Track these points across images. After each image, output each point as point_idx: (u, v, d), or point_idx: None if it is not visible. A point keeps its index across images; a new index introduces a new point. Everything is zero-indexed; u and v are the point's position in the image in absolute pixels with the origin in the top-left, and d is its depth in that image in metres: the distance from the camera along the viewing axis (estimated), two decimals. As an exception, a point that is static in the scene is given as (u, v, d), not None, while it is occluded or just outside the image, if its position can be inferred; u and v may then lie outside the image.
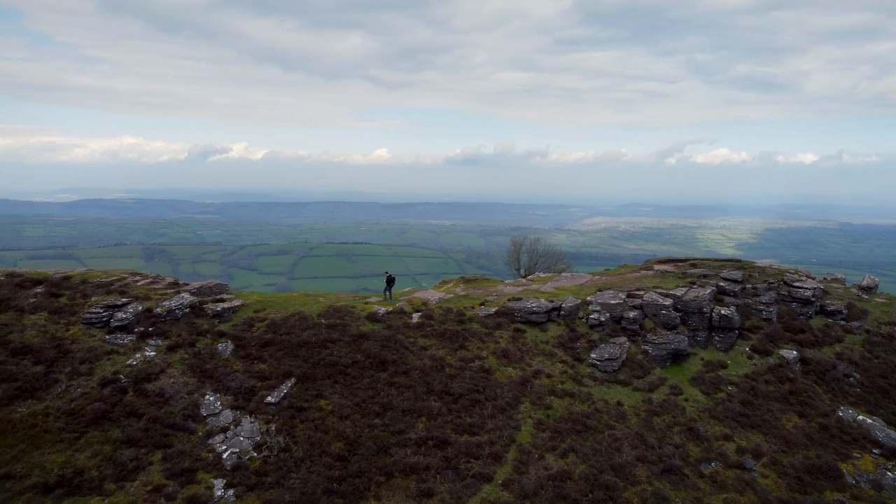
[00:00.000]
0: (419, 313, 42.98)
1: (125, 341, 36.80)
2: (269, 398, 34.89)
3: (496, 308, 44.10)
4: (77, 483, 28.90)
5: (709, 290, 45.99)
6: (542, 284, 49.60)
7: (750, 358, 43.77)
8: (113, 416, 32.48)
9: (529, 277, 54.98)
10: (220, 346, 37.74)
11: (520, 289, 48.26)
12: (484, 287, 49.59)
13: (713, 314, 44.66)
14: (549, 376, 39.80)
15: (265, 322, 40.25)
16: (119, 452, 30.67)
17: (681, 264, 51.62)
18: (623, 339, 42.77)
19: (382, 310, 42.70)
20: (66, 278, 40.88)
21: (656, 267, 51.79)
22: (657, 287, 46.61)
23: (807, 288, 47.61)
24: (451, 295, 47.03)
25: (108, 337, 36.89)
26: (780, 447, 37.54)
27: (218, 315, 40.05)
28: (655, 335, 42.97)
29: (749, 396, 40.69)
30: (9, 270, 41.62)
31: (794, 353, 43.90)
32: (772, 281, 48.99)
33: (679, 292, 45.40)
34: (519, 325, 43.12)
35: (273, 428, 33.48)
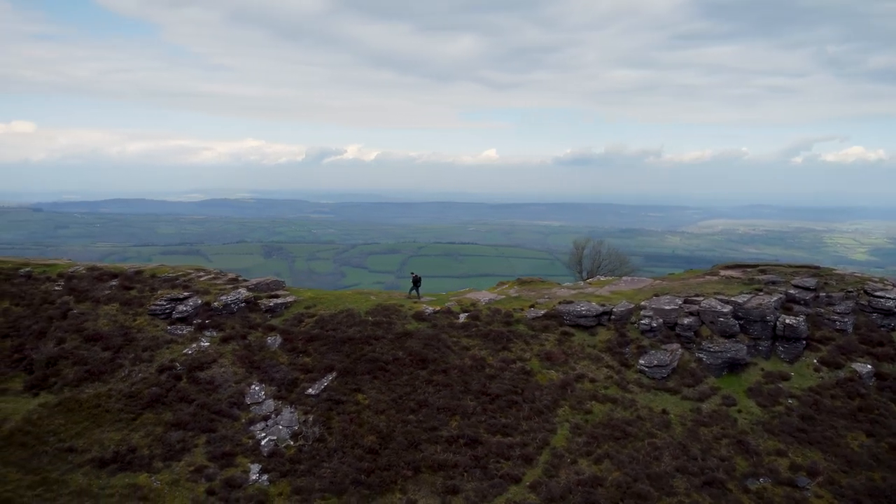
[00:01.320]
0: (466, 314, 43.46)
1: (184, 332, 39.86)
2: (309, 390, 36.66)
3: (545, 310, 43.84)
4: (129, 460, 31.83)
5: (775, 298, 43.55)
6: (599, 288, 48.72)
7: (817, 370, 41.08)
8: (166, 401, 35.38)
9: (589, 281, 54.08)
10: (270, 340, 40.02)
11: (574, 292, 47.66)
12: (538, 289, 49.34)
13: (777, 323, 42.25)
14: (592, 381, 39.20)
15: (314, 318, 42.15)
16: (168, 434, 33.45)
17: (749, 270, 49.12)
18: (676, 345, 41.37)
19: (430, 309, 43.51)
20: (139, 272, 44.72)
21: (722, 272, 49.59)
22: (718, 293, 44.63)
23: (889, 298, 44.02)
24: (503, 296, 47.16)
25: (169, 327, 40.12)
26: (840, 466, 35.17)
27: (270, 310, 42.40)
28: (711, 343, 41.22)
29: (811, 411, 38.26)
30: (90, 265, 46.05)
31: (869, 367, 40.79)
32: (850, 289, 45.65)
33: (741, 299, 43.27)
34: (567, 329, 42.65)
35: (311, 419, 35.18)
